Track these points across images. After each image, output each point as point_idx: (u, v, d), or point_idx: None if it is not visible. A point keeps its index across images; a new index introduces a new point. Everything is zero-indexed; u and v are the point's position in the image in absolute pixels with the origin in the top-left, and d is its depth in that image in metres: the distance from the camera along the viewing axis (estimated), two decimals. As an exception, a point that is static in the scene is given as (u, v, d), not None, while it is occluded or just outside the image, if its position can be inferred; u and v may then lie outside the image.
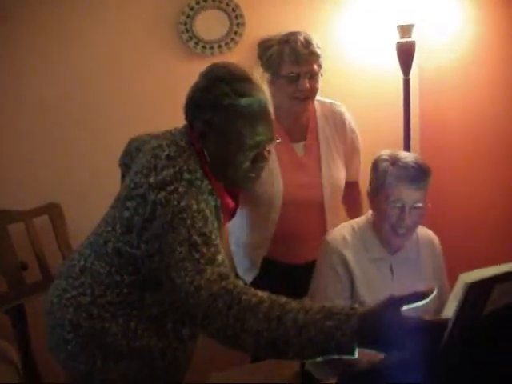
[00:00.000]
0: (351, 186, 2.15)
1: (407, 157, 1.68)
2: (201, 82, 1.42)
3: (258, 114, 1.37)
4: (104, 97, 2.34)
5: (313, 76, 1.88)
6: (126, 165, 1.71)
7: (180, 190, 1.29)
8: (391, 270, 1.74)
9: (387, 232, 1.69)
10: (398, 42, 2.36)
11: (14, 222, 2.14)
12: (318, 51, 1.89)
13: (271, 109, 1.41)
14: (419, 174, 1.65)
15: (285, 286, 1.99)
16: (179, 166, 1.33)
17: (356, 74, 2.58)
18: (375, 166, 1.71)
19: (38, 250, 2.17)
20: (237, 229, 2.07)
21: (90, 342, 1.44)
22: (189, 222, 1.26)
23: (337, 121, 2.05)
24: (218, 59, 2.30)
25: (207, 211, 1.31)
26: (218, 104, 1.36)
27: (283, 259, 2.01)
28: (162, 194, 1.29)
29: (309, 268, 1.83)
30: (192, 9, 2.33)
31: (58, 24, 2.27)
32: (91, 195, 2.26)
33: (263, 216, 1.96)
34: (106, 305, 1.42)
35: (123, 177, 1.76)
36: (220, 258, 1.25)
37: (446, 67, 2.48)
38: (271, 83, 1.90)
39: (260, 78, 1.54)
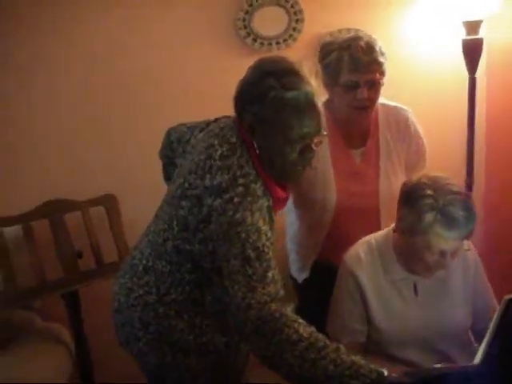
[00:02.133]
0: None
1: (455, 200, 1.45)
2: (249, 76, 1.44)
3: (305, 107, 1.38)
4: (162, 92, 2.39)
5: (373, 85, 1.78)
6: (167, 156, 1.77)
7: (235, 200, 1.33)
8: (415, 289, 1.62)
9: (419, 269, 1.57)
10: (463, 39, 2.25)
11: (70, 212, 2.21)
12: (381, 59, 1.78)
13: (319, 101, 1.42)
14: (469, 224, 1.46)
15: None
16: (233, 171, 1.37)
17: (419, 72, 2.48)
18: (416, 208, 1.48)
19: (93, 240, 2.24)
20: (291, 227, 2.05)
21: (159, 338, 1.49)
22: (243, 235, 1.32)
23: (400, 126, 1.93)
24: (275, 55, 2.34)
25: (261, 222, 1.35)
26: (265, 97, 1.38)
27: (335, 262, 1.96)
28: (218, 201, 1.34)
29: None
30: (251, 5, 2.32)
31: (118, 17, 2.33)
32: (146, 188, 2.30)
33: (315, 220, 1.92)
34: (172, 303, 1.48)
35: (165, 168, 1.82)
36: (270, 274, 1.32)
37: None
38: (329, 89, 1.84)
39: (312, 72, 1.51)
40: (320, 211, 1.90)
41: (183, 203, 1.42)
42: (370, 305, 1.62)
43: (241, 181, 1.36)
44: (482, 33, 2.24)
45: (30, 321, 2.33)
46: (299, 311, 2.05)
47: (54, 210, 2.19)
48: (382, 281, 1.62)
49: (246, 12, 2.32)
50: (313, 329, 1.28)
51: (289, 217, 2.06)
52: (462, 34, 2.25)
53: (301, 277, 2.03)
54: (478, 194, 2.48)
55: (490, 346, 1.13)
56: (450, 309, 1.63)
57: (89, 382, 2.28)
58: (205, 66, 2.38)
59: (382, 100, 1.94)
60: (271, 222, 1.43)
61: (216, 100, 2.34)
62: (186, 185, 1.43)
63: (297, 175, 1.49)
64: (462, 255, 1.64)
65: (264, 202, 1.39)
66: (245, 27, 2.34)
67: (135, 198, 2.34)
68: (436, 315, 1.61)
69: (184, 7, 2.33)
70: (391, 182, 1.89)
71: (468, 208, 1.47)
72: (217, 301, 1.45)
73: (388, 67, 2.41)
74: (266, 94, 1.38)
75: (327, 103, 1.88)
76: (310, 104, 1.39)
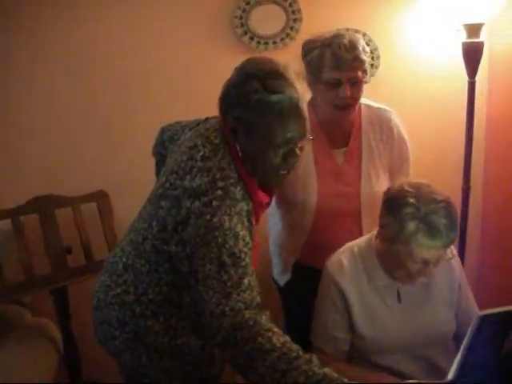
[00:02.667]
0: None
1: (438, 209, 1.43)
2: (234, 78, 1.42)
3: (289, 111, 1.36)
4: (157, 90, 2.38)
5: (355, 83, 1.76)
6: (160, 154, 1.76)
7: (214, 203, 1.32)
8: (398, 296, 1.60)
9: (402, 276, 1.55)
10: (463, 42, 2.20)
11: (61, 207, 2.21)
12: (364, 57, 1.75)
13: (304, 106, 1.39)
14: (452, 232, 1.44)
15: (316, 291, 1.95)
16: (213, 174, 1.35)
17: (419, 75, 2.45)
18: (399, 216, 1.45)
19: (83, 236, 2.23)
20: (274, 229, 2.03)
21: (135, 338, 1.49)
22: (220, 240, 1.30)
23: (384, 127, 1.91)
24: (272, 54, 2.31)
25: (239, 226, 1.33)
26: (248, 100, 1.36)
27: (317, 264, 1.94)
28: (197, 204, 1.32)
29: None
30: (248, 3, 2.30)
31: (113, 15, 2.32)
32: (139, 185, 2.26)
33: (297, 221, 1.90)
34: (149, 303, 1.47)
35: (157, 165, 1.81)
36: (246, 281, 1.30)
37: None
38: (312, 87, 1.82)
39: (300, 75, 1.49)
40: (301, 212, 1.88)
41: (163, 203, 1.41)
42: (353, 312, 1.59)
43: (220, 184, 1.34)
44: (484, 36, 2.19)
45: (21, 316, 2.34)
46: (284, 314, 2.07)
47: (44, 205, 2.18)
48: (365, 288, 1.60)
49: (243, 10, 2.30)
50: (286, 338, 1.25)
51: (272, 218, 2.03)
52: (463, 37, 2.20)
53: (283, 280, 2.01)
54: (475, 201, 2.45)
55: (463, 362, 1.10)
56: (434, 314, 1.61)
57: (76, 378, 2.29)
58: (201, 65, 2.35)
59: (365, 101, 1.92)
60: (250, 226, 1.41)
61: (212, 98, 2.32)
62: (167, 184, 1.42)
63: (279, 180, 1.48)
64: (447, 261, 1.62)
65: (243, 206, 1.37)
66: (242, 25, 2.31)
67: (127, 195, 2.32)
68: (420, 321, 1.59)
69: (181, 5, 2.31)
70: (372, 184, 1.87)
71: (450, 216, 1.45)
72: (194, 303, 1.43)
73: (387, 69, 2.41)
74: (250, 97, 1.35)
75: (311, 102, 1.87)
76: (294, 108, 1.36)
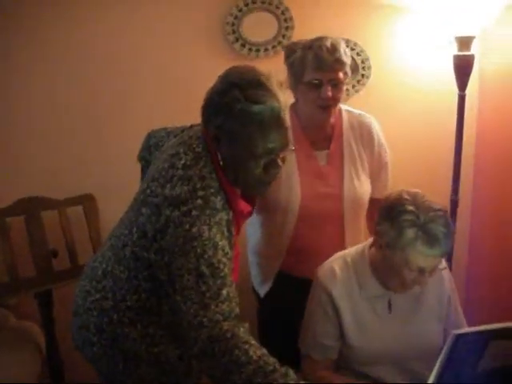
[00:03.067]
0: (376, 204, 2.01)
1: (436, 217, 1.43)
2: (217, 86, 1.41)
3: (270, 122, 1.35)
4: (147, 95, 2.37)
5: (337, 84, 1.78)
6: (145, 159, 1.75)
7: (193, 213, 1.30)
8: (389, 306, 1.59)
9: (395, 285, 1.55)
10: (455, 55, 2.20)
11: (47, 210, 2.20)
12: (345, 59, 1.78)
13: (287, 115, 1.38)
14: (449, 240, 1.45)
15: (298, 300, 1.95)
16: (194, 183, 1.34)
17: (409, 86, 2.45)
18: (397, 224, 1.45)
19: (69, 239, 2.23)
20: (253, 237, 2.02)
21: (112, 345, 1.47)
22: (199, 250, 1.29)
23: (364, 132, 1.94)
24: (263, 62, 2.32)
25: (218, 236, 1.32)
26: (229, 110, 1.35)
27: (298, 273, 1.93)
28: (176, 213, 1.31)
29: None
30: (240, 10, 2.29)
31: (104, 20, 2.31)
32: (125, 189, 2.26)
33: (279, 225, 1.89)
34: (126, 310, 1.45)
35: (142, 171, 1.79)
36: (225, 292, 1.29)
37: (510, 85, 2.28)
38: (294, 89, 1.84)
39: (284, 84, 1.48)
40: (284, 214, 1.87)
41: (143, 210, 1.40)
42: (343, 321, 1.59)
43: (200, 193, 1.33)
44: (475, 49, 2.19)
45: (5, 319, 2.33)
46: (262, 325, 2.05)
47: (30, 207, 2.18)
48: (356, 297, 1.59)
49: (235, 17, 2.29)
50: (263, 351, 1.25)
51: (250, 227, 2.02)
52: (454, 50, 2.21)
53: (263, 290, 2.00)
54: (463, 213, 2.45)
55: (438, 379, 1.09)
56: (424, 326, 1.61)
57: (58, 381, 2.27)
58: (192, 70, 2.35)
59: (346, 107, 1.96)
60: (230, 236, 1.40)
61: (200, 102, 2.32)
62: (148, 191, 1.41)
63: (262, 189, 1.47)
64: (438, 274, 1.60)
65: (223, 216, 1.36)
66: (233, 32, 2.31)
67: (114, 199, 2.28)
68: (409, 333, 1.59)
69: (173, 10, 2.31)
70: (355, 186, 1.89)
71: (448, 225, 1.46)
72: (173, 312, 1.41)
73: (378, 80, 2.42)
74: (231, 107, 1.34)
75: (292, 106, 1.89)
76: (275, 119, 1.35)
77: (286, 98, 1.40)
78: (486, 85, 2.43)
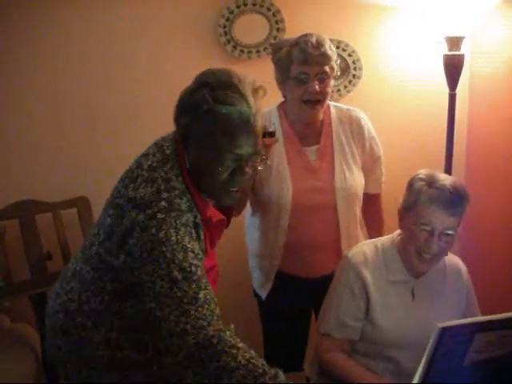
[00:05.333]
0: (372, 199, 2.05)
1: (445, 179, 1.58)
2: (190, 86, 1.38)
3: (238, 126, 1.30)
4: (140, 97, 2.38)
5: (324, 79, 1.80)
6: None
7: (158, 216, 1.26)
8: (412, 294, 1.65)
9: (412, 255, 1.60)
10: (445, 55, 2.22)
11: (42, 213, 2.21)
12: (330, 53, 1.80)
13: (258, 123, 1.33)
14: (455, 199, 1.55)
15: (299, 301, 1.96)
16: (158, 185, 1.30)
17: (399, 86, 2.47)
18: (410, 184, 1.63)
19: (63, 242, 2.23)
20: (251, 239, 2.03)
21: (77, 350, 1.43)
22: (169, 255, 1.25)
23: (354, 126, 1.95)
24: (255, 64, 2.34)
25: (186, 239, 1.28)
26: (196, 109, 1.31)
27: (297, 272, 1.95)
28: (141, 217, 1.27)
29: (324, 282, 1.78)
30: (232, 12, 2.31)
31: (96, 23, 2.33)
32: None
33: (273, 222, 1.91)
34: (90, 312, 1.41)
35: None
36: (202, 295, 1.25)
37: (501, 84, 2.30)
38: (282, 85, 1.86)
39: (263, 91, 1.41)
40: (277, 211, 1.89)
41: (110, 211, 1.36)
42: (371, 301, 1.64)
43: (164, 195, 1.29)
44: (465, 49, 2.21)
45: (0, 321, 2.33)
46: (265, 329, 2.07)
47: (24, 210, 2.19)
48: (383, 281, 1.64)
49: (227, 19, 2.31)
50: (252, 354, 1.22)
51: (248, 230, 2.05)
52: (444, 50, 2.22)
53: (264, 292, 2.00)
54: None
55: (425, 373, 1.11)
56: (443, 316, 1.61)
57: (54, 383, 2.27)
58: (183, 73, 2.31)
59: (334, 103, 1.98)
60: (199, 239, 1.36)
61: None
62: (115, 192, 1.38)
63: (226, 199, 1.40)
64: (456, 268, 1.72)
65: (190, 218, 1.32)
66: (225, 34, 2.32)
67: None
68: (430, 320, 1.60)
69: (164, 12, 2.32)
70: (346, 178, 1.90)
71: (457, 187, 1.56)
72: (137, 316, 1.39)
73: (369, 80, 2.43)
74: (198, 106, 1.31)
75: (281, 105, 1.93)
76: (244, 123, 1.30)
77: (259, 104, 1.34)
78: (476, 84, 2.45)
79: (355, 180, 1.91)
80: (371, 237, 2.05)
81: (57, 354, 1.47)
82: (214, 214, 1.42)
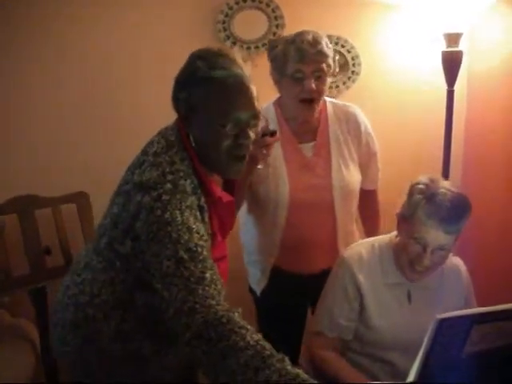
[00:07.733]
0: (368, 195, 2.05)
1: (446, 193, 1.50)
2: (183, 65, 1.43)
3: (234, 87, 1.34)
4: (138, 93, 2.39)
5: (320, 76, 1.79)
6: None
7: (164, 197, 1.28)
8: (408, 297, 1.64)
9: (405, 264, 1.59)
10: (443, 51, 2.23)
11: (41, 208, 2.21)
12: (327, 51, 1.79)
13: (252, 85, 1.37)
14: (453, 218, 1.49)
15: (295, 297, 1.96)
16: (163, 168, 1.33)
17: (398, 82, 2.48)
18: (410, 193, 1.57)
19: (62, 237, 2.23)
20: (247, 237, 2.04)
21: (87, 343, 1.44)
22: (174, 236, 1.26)
23: (350, 122, 1.94)
24: (254, 60, 2.34)
25: (191, 220, 1.29)
26: (192, 79, 1.36)
27: (293, 268, 1.95)
28: (147, 198, 1.28)
29: (320, 278, 1.78)
30: (231, 8, 2.32)
31: (98, 18, 2.34)
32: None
33: (270, 218, 1.90)
34: (102, 304, 1.42)
35: None
36: (208, 275, 1.25)
37: (499, 81, 2.31)
38: (278, 83, 1.85)
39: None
40: (274, 208, 1.88)
41: (117, 200, 1.39)
42: (365, 302, 1.63)
43: (169, 177, 1.32)
44: (463, 45, 2.22)
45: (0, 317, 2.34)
46: (258, 324, 2.07)
47: (23, 205, 2.19)
48: (379, 282, 1.63)
49: (226, 15, 2.32)
50: (259, 336, 1.22)
51: (244, 228, 2.04)
52: (443, 46, 2.23)
53: (259, 288, 2.01)
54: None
55: (423, 365, 1.11)
56: None
57: (53, 378, 2.28)
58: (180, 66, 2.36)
59: (330, 99, 1.97)
60: (204, 223, 1.37)
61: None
62: (122, 181, 1.41)
63: (234, 167, 1.41)
64: (456, 269, 1.69)
65: (194, 200, 1.34)
66: (224, 30, 2.33)
67: (107, 196, 2.29)
68: (427, 324, 1.61)
69: (163, 9, 2.33)
70: (343, 174, 1.90)
71: (456, 203, 1.49)
72: (147, 306, 1.40)
73: (368, 76, 2.44)
74: (194, 76, 1.36)
75: (277, 101, 1.92)
76: (239, 84, 1.35)
77: (250, 71, 1.38)
78: (474, 80, 2.46)
79: (352, 176, 1.91)
80: (367, 233, 2.07)
81: (64, 349, 1.48)
82: (223, 194, 1.44)
